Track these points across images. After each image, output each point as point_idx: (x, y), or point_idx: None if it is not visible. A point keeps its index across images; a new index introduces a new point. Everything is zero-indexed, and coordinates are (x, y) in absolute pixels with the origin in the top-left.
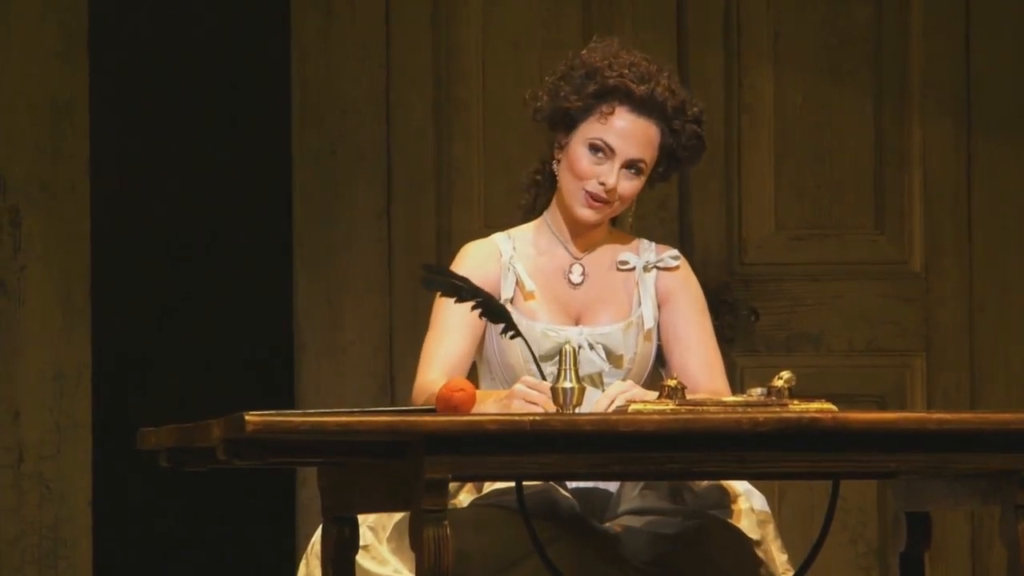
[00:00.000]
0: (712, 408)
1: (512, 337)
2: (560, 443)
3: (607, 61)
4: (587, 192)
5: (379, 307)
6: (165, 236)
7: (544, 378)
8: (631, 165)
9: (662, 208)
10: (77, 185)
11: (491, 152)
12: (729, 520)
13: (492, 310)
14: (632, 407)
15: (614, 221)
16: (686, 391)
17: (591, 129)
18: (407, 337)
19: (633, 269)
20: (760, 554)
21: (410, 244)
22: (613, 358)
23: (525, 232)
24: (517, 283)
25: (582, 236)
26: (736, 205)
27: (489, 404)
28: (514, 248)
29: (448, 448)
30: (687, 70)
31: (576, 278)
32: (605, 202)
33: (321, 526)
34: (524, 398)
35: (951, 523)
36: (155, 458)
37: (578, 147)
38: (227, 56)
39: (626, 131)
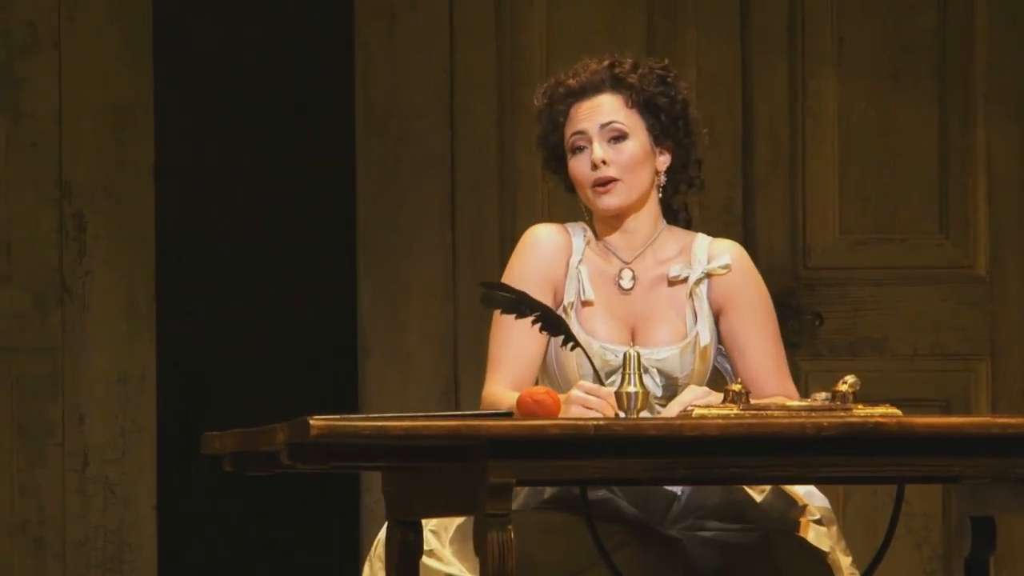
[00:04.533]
0: (776, 412)
1: (572, 348)
2: (624, 447)
3: (547, 96)
4: (591, 186)
5: (443, 311)
6: (229, 241)
7: (603, 385)
8: (608, 132)
9: (726, 212)
10: (142, 190)
11: None
12: (796, 533)
13: (551, 323)
14: (696, 411)
15: (668, 220)
16: (750, 395)
17: (566, 138)
18: (471, 341)
19: (685, 281)
20: (828, 564)
21: (474, 249)
22: (668, 380)
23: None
24: (580, 289)
25: (624, 238)
26: (800, 210)
27: None
28: (586, 245)
29: (512, 452)
30: (751, 76)
31: (626, 283)
32: (610, 180)
33: (384, 527)
34: (583, 404)
35: (1016, 527)
36: (219, 462)
37: (569, 162)
38: (291, 62)
39: (585, 112)
